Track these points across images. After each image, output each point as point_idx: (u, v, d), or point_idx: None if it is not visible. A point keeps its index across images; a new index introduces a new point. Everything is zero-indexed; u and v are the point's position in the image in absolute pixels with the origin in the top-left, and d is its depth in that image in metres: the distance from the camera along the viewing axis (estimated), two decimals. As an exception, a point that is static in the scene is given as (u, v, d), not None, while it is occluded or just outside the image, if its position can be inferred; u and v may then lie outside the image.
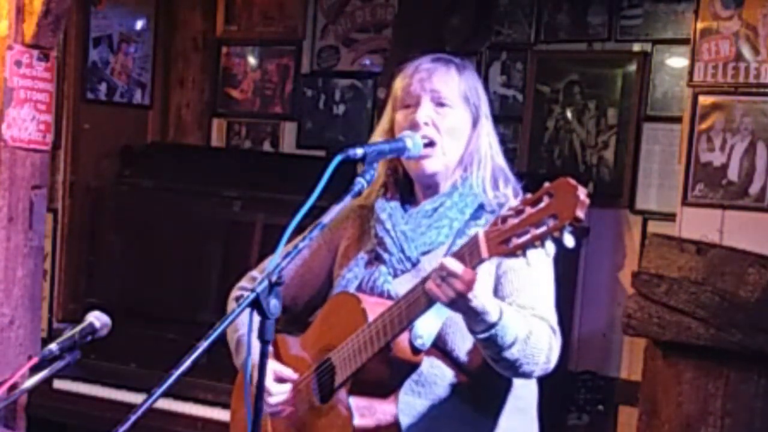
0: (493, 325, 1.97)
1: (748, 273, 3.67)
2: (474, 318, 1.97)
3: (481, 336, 1.99)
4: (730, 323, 3.67)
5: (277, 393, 2.27)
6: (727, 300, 3.69)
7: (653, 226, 4.31)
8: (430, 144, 2.20)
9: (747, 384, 3.74)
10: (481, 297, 1.94)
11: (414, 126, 2.20)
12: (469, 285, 1.90)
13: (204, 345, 1.78)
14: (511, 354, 2.02)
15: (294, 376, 2.29)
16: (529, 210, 1.82)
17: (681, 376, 3.84)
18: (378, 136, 2.31)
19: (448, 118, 2.22)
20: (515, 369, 2.07)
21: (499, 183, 2.25)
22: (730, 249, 3.77)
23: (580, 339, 4.47)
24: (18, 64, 3.76)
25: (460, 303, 1.93)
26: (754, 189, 3.84)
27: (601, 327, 4.46)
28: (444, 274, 1.90)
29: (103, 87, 5.16)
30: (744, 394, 3.74)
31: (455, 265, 1.89)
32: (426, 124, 2.21)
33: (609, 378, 4.41)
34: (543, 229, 1.79)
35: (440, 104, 2.22)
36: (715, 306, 3.70)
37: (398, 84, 2.29)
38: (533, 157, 4.62)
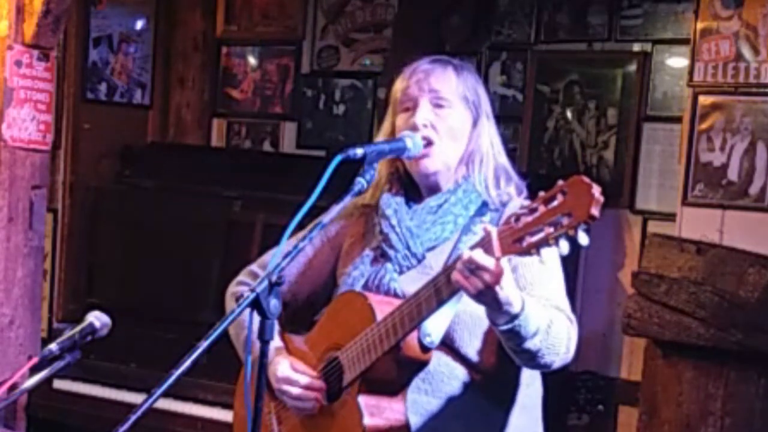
0: (515, 317, 1.96)
1: (748, 273, 3.67)
2: (497, 310, 1.96)
3: (503, 328, 1.98)
4: (730, 323, 3.67)
5: (303, 384, 2.24)
6: (727, 300, 3.69)
7: (653, 226, 4.30)
8: (429, 144, 2.21)
9: (747, 384, 3.74)
10: (506, 289, 1.93)
11: (413, 129, 2.21)
12: (498, 278, 1.90)
13: (204, 345, 1.78)
14: (534, 344, 2.02)
15: (307, 369, 2.27)
16: (542, 208, 1.81)
17: (681, 376, 3.84)
18: (380, 137, 2.31)
19: (448, 119, 2.23)
20: (536, 360, 2.06)
21: (501, 182, 2.25)
22: (730, 249, 3.77)
23: (580, 339, 4.44)
24: (18, 64, 3.76)
25: (487, 295, 1.92)
26: (754, 189, 3.84)
27: (601, 327, 4.45)
28: (473, 267, 1.89)
29: (103, 87, 5.16)
30: (744, 394, 3.74)
31: (484, 258, 1.88)
32: (425, 126, 2.21)
33: (609, 378, 4.41)
34: (557, 227, 1.78)
35: (439, 105, 2.23)
36: (715, 306, 3.70)
37: (397, 87, 2.30)
38: (533, 157, 4.62)
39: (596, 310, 4.45)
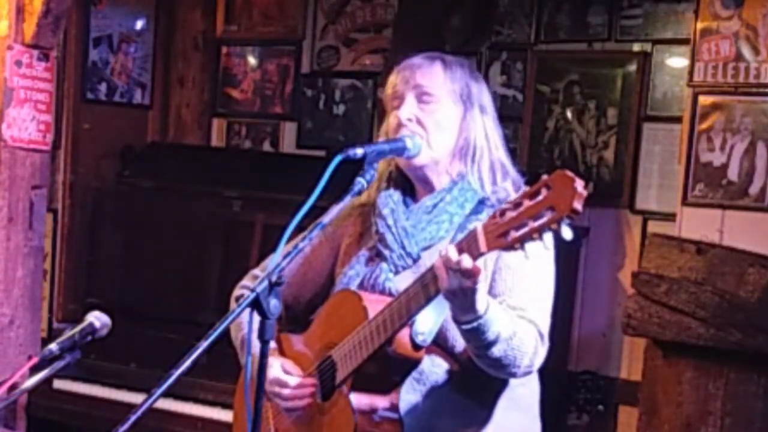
0: (479, 317, 1.97)
1: (748, 273, 3.67)
2: (465, 308, 1.97)
3: (466, 327, 2.00)
4: (730, 323, 3.67)
5: (294, 385, 2.26)
6: (727, 300, 3.69)
7: (653, 226, 4.30)
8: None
9: (747, 384, 3.73)
10: (479, 290, 1.95)
11: (399, 124, 2.21)
12: (476, 276, 1.91)
13: (204, 345, 1.78)
14: (492, 353, 2.03)
15: (299, 370, 2.28)
16: (527, 203, 1.82)
17: (681, 376, 3.84)
18: (380, 137, 2.31)
19: (434, 114, 2.22)
20: (497, 368, 2.08)
21: (497, 177, 2.25)
22: (730, 249, 3.76)
23: (580, 339, 4.47)
24: (18, 64, 3.76)
25: (462, 292, 1.94)
26: (754, 189, 3.84)
27: (601, 327, 4.45)
28: (456, 269, 1.90)
29: (103, 87, 5.16)
30: (744, 394, 3.74)
31: (464, 258, 1.89)
32: (409, 120, 2.21)
33: (609, 378, 4.41)
34: (541, 221, 1.79)
35: (424, 101, 2.22)
36: (715, 306, 3.70)
37: (387, 84, 2.30)
38: (533, 157, 4.62)
39: (596, 310, 4.45)
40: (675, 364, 3.85)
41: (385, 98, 2.31)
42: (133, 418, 1.70)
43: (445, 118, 2.23)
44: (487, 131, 2.26)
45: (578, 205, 1.75)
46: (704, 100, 3.93)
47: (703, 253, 3.78)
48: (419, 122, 2.21)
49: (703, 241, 3.84)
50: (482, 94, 2.29)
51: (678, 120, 4.22)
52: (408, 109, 2.21)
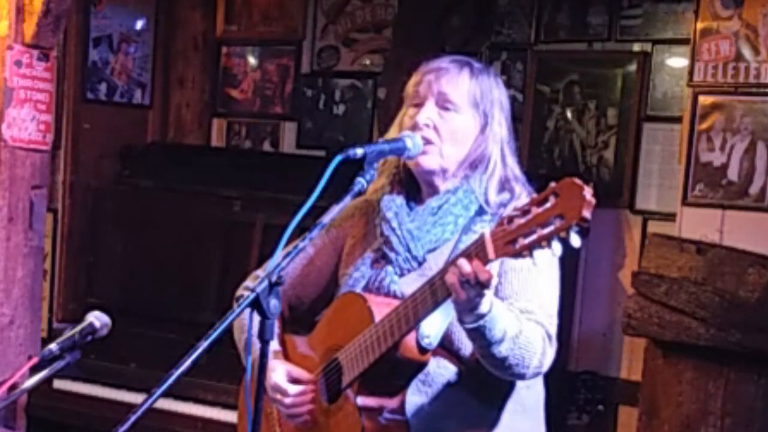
0: (482, 316, 1.97)
1: (748, 273, 3.67)
2: (469, 309, 1.97)
3: (470, 326, 1.99)
4: (730, 323, 3.67)
5: (293, 393, 2.26)
6: (727, 300, 3.69)
7: (653, 226, 4.30)
8: (428, 143, 2.20)
9: (747, 384, 3.74)
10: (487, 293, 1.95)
11: (414, 127, 2.20)
12: (489, 283, 1.91)
13: (204, 345, 1.78)
14: (499, 351, 2.02)
15: (306, 375, 2.29)
16: (535, 210, 1.81)
17: (681, 376, 3.84)
18: (393, 129, 2.30)
19: (451, 123, 2.21)
20: (504, 368, 2.07)
21: (504, 193, 2.23)
22: (730, 249, 3.77)
23: (580, 339, 4.47)
24: (18, 64, 3.76)
25: (472, 300, 1.94)
26: (754, 189, 3.84)
27: (601, 327, 4.45)
28: (473, 283, 1.90)
29: (103, 87, 5.16)
30: (744, 394, 3.74)
31: (481, 270, 1.89)
32: (426, 125, 2.20)
33: (609, 378, 4.41)
34: (549, 229, 1.78)
35: (445, 108, 2.21)
36: (715, 306, 3.70)
37: (411, 81, 2.28)
38: (533, 157, 4.61)
39: (596, 310, 4.45)
40: (675, 364, 3.85)
41: (406, 94, 2.29)
42: (133, 418, 1.70)
43: (461, 129, 2.21)
44: (503, 146, 2.24)
45: (587, 213, 1.75)
46: (704, 100, 3.94)
47: (703, 253, 3.79)
48: (435, 129, 2.20)
49: (703, 241, 3.84)
50: (503, 106, 2.26)
51: (678, 120, 4.22)
52: (426, 114, 2.20)
